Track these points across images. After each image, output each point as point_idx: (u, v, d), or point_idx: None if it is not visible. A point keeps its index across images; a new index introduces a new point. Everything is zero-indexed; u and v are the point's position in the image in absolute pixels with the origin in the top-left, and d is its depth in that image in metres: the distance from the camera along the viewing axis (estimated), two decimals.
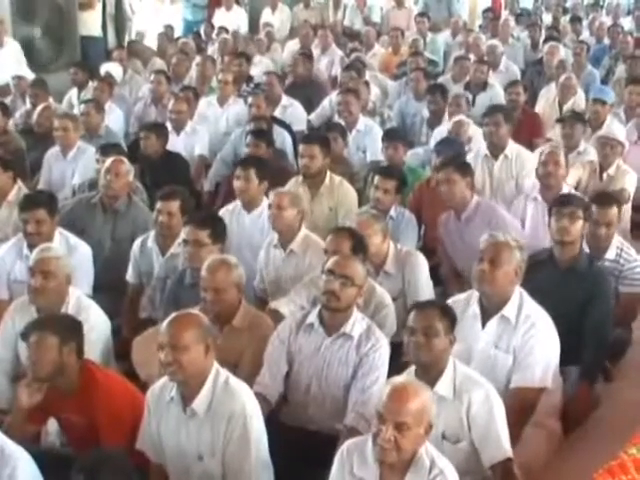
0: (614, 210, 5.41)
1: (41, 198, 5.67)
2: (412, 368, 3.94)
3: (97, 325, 4.76)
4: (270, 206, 5.57)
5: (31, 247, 5.28)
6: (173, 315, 3.84)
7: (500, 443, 3.78)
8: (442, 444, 3.78)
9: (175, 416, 3.82)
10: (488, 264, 4.37)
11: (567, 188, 6.16)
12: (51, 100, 9.06)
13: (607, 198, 5.50)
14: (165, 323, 3.80)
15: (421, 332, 3.83)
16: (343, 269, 4.30)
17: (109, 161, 6.23)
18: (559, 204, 5.22)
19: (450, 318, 3.93)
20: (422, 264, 5.38)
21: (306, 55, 10.78)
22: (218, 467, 3.79)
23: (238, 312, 4.58)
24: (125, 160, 6.30)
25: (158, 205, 5.63)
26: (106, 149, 6.80)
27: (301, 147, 6.59)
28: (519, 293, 4.43)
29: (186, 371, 3.69)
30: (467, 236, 5.76)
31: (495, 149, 6.98)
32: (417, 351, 3.84)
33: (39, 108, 8.25)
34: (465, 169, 5.93)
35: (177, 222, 5.55)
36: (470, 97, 9.02)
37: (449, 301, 4.54)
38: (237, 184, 6.12)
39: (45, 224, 5.46)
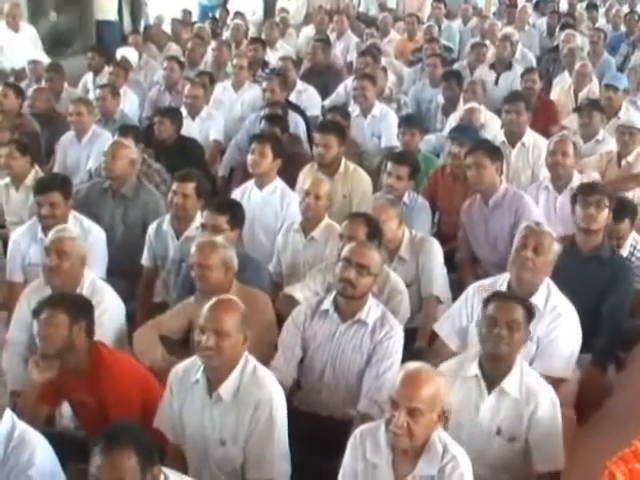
0: (625, 224, 5.39)
1: (55, 181, 5.66)
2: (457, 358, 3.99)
3: (111, 308, 4.76)
4: (308, 193, 5.49)
5: (45, 230, 5.29)
6: (215, 300, 3.81)
7: (557, 452, 3.80)
8: (494, 439, 3.79)
9: (199, 399, 3.81)
10: (532, 252, 4.37)
11: (578, 177, 6.08)
12: (66, 85, 9.08)
13: (620, 212, 5.35)
14: (208, 307, 3.77)
15: (505, 325, 3.79)
16: (360, 258, 4.29)
17: (109, 143, 6.22)
18: (585, 192, 5.15)
19: (530, 314, 3.91)
20: (437, 250, 5.36)
21: (325, 42, 10.74)
22: (239, 453, 3.79)
23: (230, 292, 4.52)
24: (126, 143, 6.23)
25: (173, 186, 5.64)
26: (124, 131, 6.80)
27: (317, 136, 6.52)
28: (547, 283, 4.44)
29: (224, 357, 3.69)
30: (492, 222, 5.75)
31: (513, 137, 6.94)
32: (498, 343, 3.79)
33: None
34: (495, 154, 5.84)
35: (192, 204, 5.56)
36: (494, 76, 9.18)
37: (474, 285, 4.58)
38: (251, 157, 6.13)
39: (59, 207, 5.45)
